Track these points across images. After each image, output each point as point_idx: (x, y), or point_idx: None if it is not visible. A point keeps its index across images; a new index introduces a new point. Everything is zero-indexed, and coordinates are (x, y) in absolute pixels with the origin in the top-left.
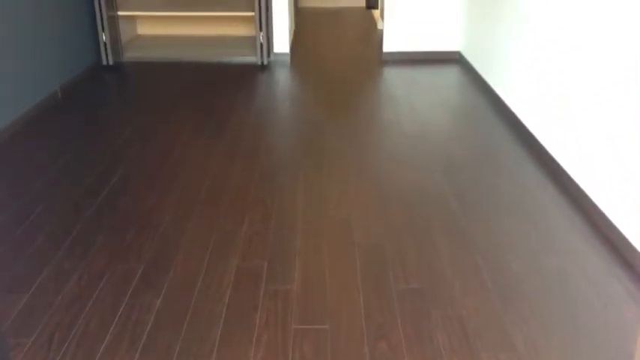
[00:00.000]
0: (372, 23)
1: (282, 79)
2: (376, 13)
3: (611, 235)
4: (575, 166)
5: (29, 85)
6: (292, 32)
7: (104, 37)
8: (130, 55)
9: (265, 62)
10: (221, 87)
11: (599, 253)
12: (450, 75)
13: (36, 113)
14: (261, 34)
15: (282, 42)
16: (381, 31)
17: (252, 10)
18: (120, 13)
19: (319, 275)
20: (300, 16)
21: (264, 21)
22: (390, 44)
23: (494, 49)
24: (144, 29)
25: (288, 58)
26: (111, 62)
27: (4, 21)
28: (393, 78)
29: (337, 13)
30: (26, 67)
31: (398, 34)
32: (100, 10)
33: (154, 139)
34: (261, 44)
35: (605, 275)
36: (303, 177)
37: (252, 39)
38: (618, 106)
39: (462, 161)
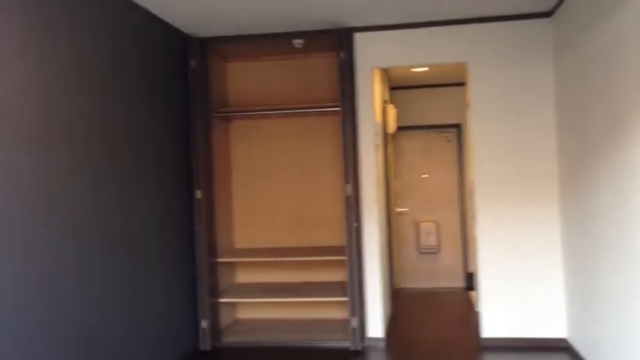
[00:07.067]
0: (470, 305)
1: None
2: (474, 294)
3: None
4: None
5: None
6: (388, 315)
7: (204, 324)
8: (228, 340)
9: (359, 348)
10: None
11: None
12: None
13: None
14: (355, 319)
15: (376, 326)
16: (479, 314)
17: (346, 296)
18: (221, 300)
19: None
20: (397, 297)
21: (357, 306)
22: (489, 329)
23: (606, 338)
24: (244, 314)
25: (383, 344)
26: (208, 348)
27: (102, 306)
28: None
29: (434, 295)
30: (124, 353)
31: (497, 318)
32: (203, 299)
33: None
34: (354, 329)
35: None
36: None
37: (346, 322)
38: None
39: None
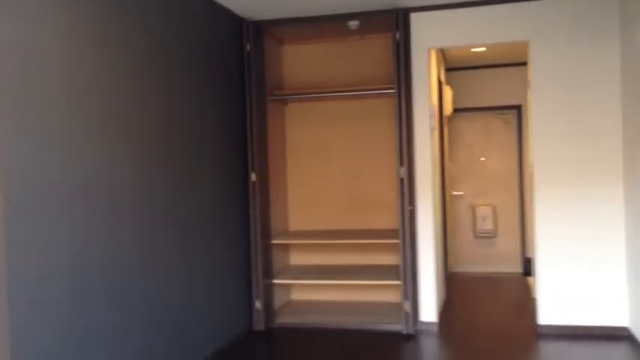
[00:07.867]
0: (528, 291)
1: (427, 351)
2: (532, 280)
3: None
4: None
5: (180, 355)
6: (441, 300)
7: (258, 305)
8: (282, 320)
9: (411, 332)
10: (363, 358)
11: None
12: (616, 356)
13: None
14: (407, 302)
15: (429, 310)
16: (536, 300)
17: (399, 279)
18: (275, 281)
19: None
20: (451, 282)
21: (410, 290)
22: (546, 316)
23: None
24: (297, 295)
25: (436, 328)
26: (262, 328)
27: (164, 285)
28: (550, 356)
29: (490, 280)
30: (181, 333)
31: (555, 305)
32: (257, 280)
33: None
34: (407, 313)
35: None
36: None
37: (398, 306)
38: None
39: None
